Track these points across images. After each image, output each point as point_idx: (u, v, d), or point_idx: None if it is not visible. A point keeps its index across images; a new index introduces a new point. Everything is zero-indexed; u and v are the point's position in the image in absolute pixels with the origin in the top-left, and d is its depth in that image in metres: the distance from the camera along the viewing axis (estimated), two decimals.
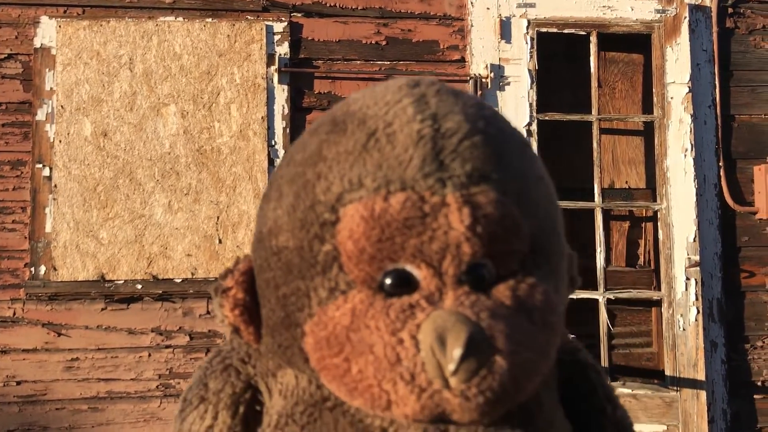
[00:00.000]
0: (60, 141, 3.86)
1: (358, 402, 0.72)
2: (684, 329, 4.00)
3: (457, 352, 0.65)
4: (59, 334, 3.81)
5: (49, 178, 3.85)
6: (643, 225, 4.35)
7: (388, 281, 0.72)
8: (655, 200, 4.17)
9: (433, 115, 0.74)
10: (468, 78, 4.05)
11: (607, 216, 4.20)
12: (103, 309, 3.82)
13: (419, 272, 0.71)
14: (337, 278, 0.73)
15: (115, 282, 3.81)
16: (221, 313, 0.81)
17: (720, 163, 4.16)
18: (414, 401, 0.67)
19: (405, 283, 0.71)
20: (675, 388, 3.96)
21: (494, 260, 0.72)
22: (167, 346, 3.83)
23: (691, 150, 4.08)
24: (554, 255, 0.76)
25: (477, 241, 0.71)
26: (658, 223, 4.12)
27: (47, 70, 3.90)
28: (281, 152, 3.90)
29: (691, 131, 4.09)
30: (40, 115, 3.88)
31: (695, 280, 4.01)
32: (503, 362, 0.67)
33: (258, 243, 0.80)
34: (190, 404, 0.85)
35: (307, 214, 0.74)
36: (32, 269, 3.82)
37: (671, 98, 4.12)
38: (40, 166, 3.86)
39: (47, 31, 3.92)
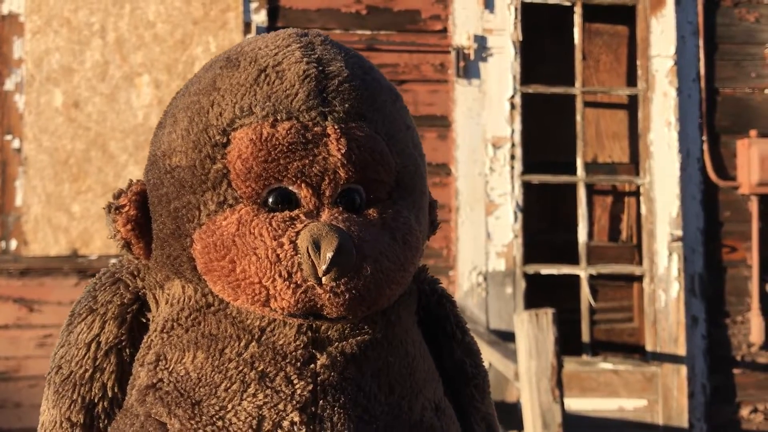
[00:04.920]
0: (30, 112, 3.75)
1: (240, 300, 0.81)
2: (665, 304, 3.98)
3: (329, 255, 0.76)
4: (31, 310, 3.73)
5: (19, 150, 3.74)
6: (625, 200, 4.31)
7: (271, 198, 0.81)
8: (638, 175, 4.13)
9: (318, 59, 0.84)
10: (450, 49, 3.96)
11: (590, 190, 4.16)
12: (76, 284, 3.74)
13: (300, 192, 0.81)
14: (226, 193, 0.81)
15: (88, 257, 3.73)
16: (114, 228, 0.88)
17: (703, 138, 4.13)
18: (290, 295, 0.77)
19: (286, 201, 0.81)
20: (656, 363, 3.95)
21: (365, 187, 0.83)
22: None
23: (675, 124, 4.04)
24: (416, 192, 0.88)
25: (351, 168, 0.81)
26: (641, 198, 4.09)
27: (15, 37, 3.77)
28: None
29: (675, 105, 4.05)
30: (9, 85, 3.76)
31: (677, 255, 3.99)
32: (368, 267, 0.78)
33: (152, 165, 0.87)
34: (78, 316, 0.90)
35: (200, 136, 0.82)
36: (3, 243, 3.72)
37: (656, 71, 4.07)
38: (10, 137, 3.75)
39: None
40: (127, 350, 0.89)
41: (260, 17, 3.87)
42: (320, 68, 0.83)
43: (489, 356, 3.26)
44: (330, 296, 0.78)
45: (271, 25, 3.89)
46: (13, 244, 3.72)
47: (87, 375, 0.88)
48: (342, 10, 3.96)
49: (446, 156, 3.95)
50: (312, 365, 0.82)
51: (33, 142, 3.74)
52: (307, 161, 0.80)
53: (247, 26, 3.84)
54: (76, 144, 3.75)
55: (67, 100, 3.76)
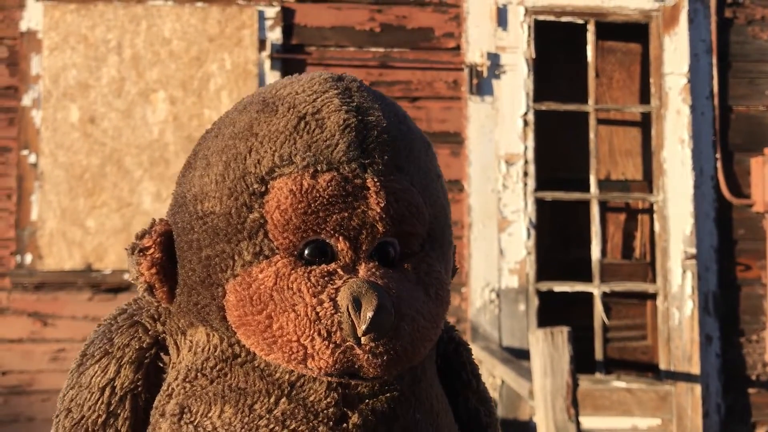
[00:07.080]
0: (46, 127, 3.78)
1: (274, 356, 0.79)
2: (679, 322, 3.96)
3: (369, 314, 0.74)
4: (45, 324, 3.75)
5: (35, 165, 3.78)
6: (639, 217, 4.30)
7: (308, 250, 0.79)
8: (651, 192, 4.12)
9: (357, 107, 0.82)
10: (463, 66, 3.98)
11: (603, 208, 4.15)
12: (90, 299, 3.76)
13: (337, 244, 0.79)
14: (262, 244, 0.79)
15: (102, 271, 3.75)
16: (137, 271, 0.85)
17: (717, 155, 4.12)
18: (329, 355, 0.76)
19: (323, 254, 0.80)
20: (669, 381, 3.92)
21: (400, 239, 0.82)
22: None
23: (689, 141, 4.04)
24: (445, 243, 0.88)
25: (389, 222, 0.80)
26: (655, 216, 4.08)
27: (33, 54, 3.82)
28: None
29: (688, 122, 4.04)
30: (26, 101, 3.80)
31: (691, 273, 3.97)
32: (406, 326, 0.77)
33: (179, 207, 0.85)
34: (91, 357, 0.87)
35: (237, 183, 0.80)
36: (18, 257, 3.75)
37: (669, 89, 4.06)
38: (26, 152, 3.78)
39: (34, 14, 3.83)
40: (143, 396, 0.85)
41: (275, 35, 3.90)
42: (359, 117, 0.82)
43: (503, 374, 3.25)
44: (369, 357, 0.76)
45: (286, 43, 3.92)
46: (28, 258, 3.75)
47: (100, 421, 0.85)
48: (356, 27, 3.98)
49: (459, 172, 3.96)
50: (344, 424, 0.80)
51: (49, 157, 3.77)
52: (346, 214, 0.79)
53: (261, 43, 3.88)
54: (92, 159, 3.78)
55: (84, 115, 3.79)
